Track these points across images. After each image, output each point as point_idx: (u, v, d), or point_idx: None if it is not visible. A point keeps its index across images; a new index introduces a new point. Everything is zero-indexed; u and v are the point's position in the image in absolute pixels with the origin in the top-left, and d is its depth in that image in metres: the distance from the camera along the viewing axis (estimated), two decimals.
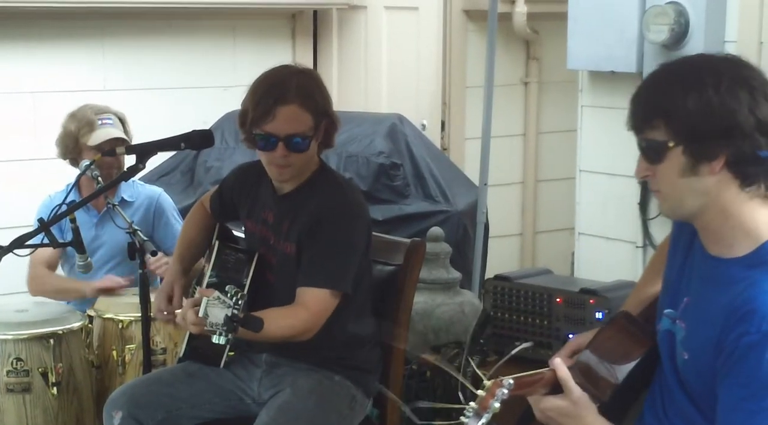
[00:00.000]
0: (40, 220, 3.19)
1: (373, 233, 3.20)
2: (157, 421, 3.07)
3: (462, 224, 4.76)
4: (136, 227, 3.50)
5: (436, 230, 4.23)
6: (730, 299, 2.09)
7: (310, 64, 5.79)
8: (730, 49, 3.77)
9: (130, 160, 3.44)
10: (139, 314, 3.44)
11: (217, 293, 2.62)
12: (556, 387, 2.24)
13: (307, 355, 3.08)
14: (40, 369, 3.57)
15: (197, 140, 3.21)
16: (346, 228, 3.04)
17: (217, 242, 3.18)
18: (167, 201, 4.26)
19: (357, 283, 3.06)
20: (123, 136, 4.09)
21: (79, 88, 5.09)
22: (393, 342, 3.16)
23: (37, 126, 5.09)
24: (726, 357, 2.07)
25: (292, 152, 3.00)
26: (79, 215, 3.58)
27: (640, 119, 2.14)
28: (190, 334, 3.12)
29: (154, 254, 3.44)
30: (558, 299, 3.69)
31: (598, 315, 3.58)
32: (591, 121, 4.40)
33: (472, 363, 3.17)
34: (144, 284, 3.41)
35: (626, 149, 2.21)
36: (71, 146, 4.07)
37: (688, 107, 2.06)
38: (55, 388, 3.58)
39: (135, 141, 4.04)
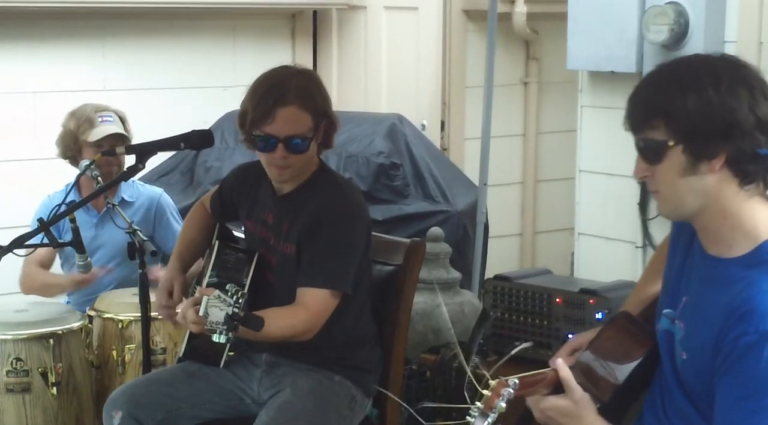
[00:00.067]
0: (40, 220, 3.18)
1: (373, 233, 3.21)
2: (157, 421, 3.07)
3: (462, 224, 4.76)
4: (135, 227, 3.50)
5: (436, 230, 4.23)
6: (729, 299, 2.10)
7: (309, 64, 5.79)
8: (730, 49, 3.78)
9: (129, 160, 3.44)
10: (139, 314, 3.44)
11: (217, 292, 2.62)
12: (558, 387, 2.24)
13: (306, 355, 3.08)
14: (39, 369, 3.57)
15: (197, 140, 3.21)
16: (346, 228, 3.04)
17: (217, 242, 3.18)
18: (168, 202, 4.27)
19: (357, 283, 3.06)
20: (123, 132, 4.09)
21: (79, 88, 5.09)
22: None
23: (37, 126, 5.09)
24: (724, 357, 2.08)
25: (292, 153, 3.00)
26: (79, 215, 3.58)
27: (639, 119, 2.15)
28: (190, 334, 3.12)
29: (154, 254, 3.44)
30: (558, 300, 3.69)
31: (598, 315, 3.58)
32: (591, 121, 4.40)
33: (465, 367, 3.16)
34: (144, 284, 3.41)
35: (626, 149, 2.21)
36: (71, 144, 4.07)
37: (689, 106, 2.07)
38: (54, 388, 3.58)
39: (135, 141, 4.04)
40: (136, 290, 3.57)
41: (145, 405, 3.07)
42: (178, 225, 4.13)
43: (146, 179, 4.63)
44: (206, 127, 4.41)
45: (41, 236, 3.18)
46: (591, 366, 2.28)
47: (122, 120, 4.15)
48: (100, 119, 4.07)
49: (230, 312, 2.59)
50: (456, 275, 4.19)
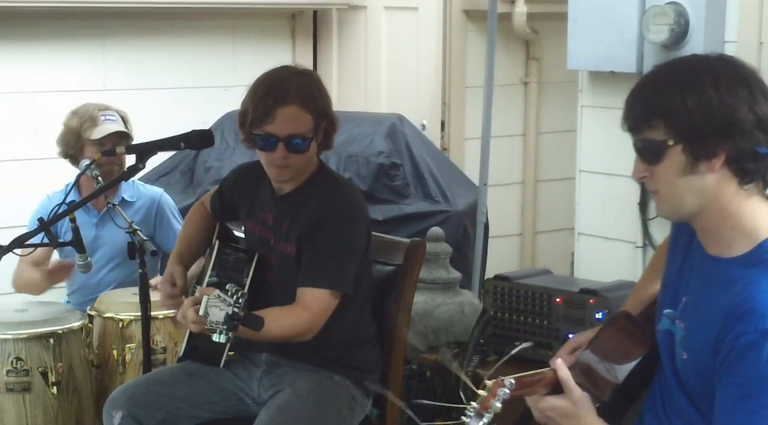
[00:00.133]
0: (40, 219, 3.19)
1: (373, 233, 3.21)
2: (157, 421, 3.07)
3: (462, 224, 4.76)
4: (136, 227, 3.50)
5: (436, 230, 4.23)
6: (729, 299, 2.10)
7: (309, 64, 5.79)
8: (730, 49, 3.78)
9: (130, 160, 3.44)
10: (139, 314, 3.44)
11: (217, 292, 2.62)
12: (556, 388, 2.24)
13: (306, 355, 3.08)
14: (40, 369, 3.57)
15: (197, 140, 3.21)
16: (346, 228, 3.04)
17: (217, 242, 3.18)
18: (168, 202, 4.27)
19: (357, 283, 3.06)
20: (126, 131, 4.10)
21: (79, 88, 5.09)
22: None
23: (37, 126, 5.09)
24: (724, 357, 2.08)
25: (292, 153, 3.00)
26: (79, 215, 3.58)
27: (638, 120, 2.15)
28: (190, 333, 3.12)
29: (154, 254, 3.44)
30: (558, 300, 3.69)
31: (598, 315, 3.57)
32: (591, 121, 4.40)
33: (458, 370, 3.16)
34: (144, 284, 3.41)
35: (626, 149, 2.21)
36: (73, 142, 4.07)
37: (688, 105, 2.07)
38: (55, 388, 3.58)
39: (135, 141, 4.04)
40: (136, 289, 3.57)
41: (145, 405, 3.07)
42: (178, 225, 4.13)
43: (146, 179, 4.63)
44: (206, 127, 4.41)
45: (41, 235, 3.18)
46: (591, 365, 2.28)
47: (124, 120, 4.16)
48: (103, 118, 4.08)
49: (230, 312, 2.59)
50: (456, 275, 4.18)
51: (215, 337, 2.64)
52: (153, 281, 3.66)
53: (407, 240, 3.33)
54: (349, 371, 3.12)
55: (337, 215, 3.03)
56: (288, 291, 3.01)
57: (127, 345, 3.71)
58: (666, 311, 2.28)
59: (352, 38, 5.99)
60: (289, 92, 2.98)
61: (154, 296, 3.41)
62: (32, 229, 3.25)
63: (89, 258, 3.61)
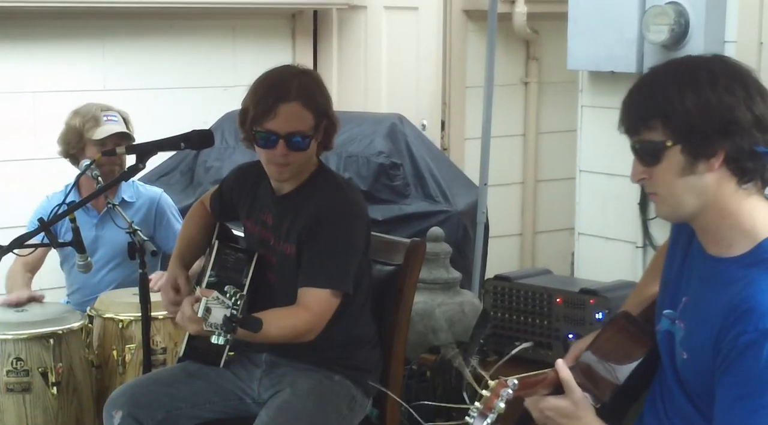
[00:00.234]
0: (41, 219, 3.19)
1: (373, 233, 3.21)
2: (157, 421, 3.07)
3: (462, 224, 4.76)
4: (136, 227, 3.50)
5: (436, 230, 4.23)
6: (729, 299, 2.10)
7: (310, 64, 5.79)
8: (730, 49, 3.78)
9: (130, 160, 3.44)
10: (139, 314, 3.44)
11: (216, 294, 2.62)
12: (558, 388, 2.24)
13: (306, 355, 3.08)
14: (40, 369, 3.57)
15: (197, 140, 3.21)
16: (346, 228, 3.04)
17: (216, 242, 3.18)
18: (168, 202, 4.27)
19: (357, 283, 3.06)
20: (128, 131, 4.10)
21: (79, 88, 5.09)
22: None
23: (37, 126, 5.09)
24: (724, 356, 2.08)
25: (292, 151, 3.00)
26: (79, 215, 3.58)
27: (636, 121, 2.14)
28: (190, 334, 3.12)
29: (154, 254, 3.44)
30: (558, 300, 3.69)
31: (598, 315, 3.58)
32: (591, 121, 4.40)
33: (463, 367, 3.16)
34: (144, 284, 3.40)
35: (626, 149, 2.21)
36: (74, 142, 4.08)
37: (687, 105, 2.07)
38: (55, 388, 3.58)
39: (135, 141, 4.04)
40: (136, 290, 3.57)
41: (145, 405, 3.07)
42: (178, 225, 4.13)
43: (146, 179, 4.63)
44: (206, 127, 4.41)
45: (41, 236, 3.18)
46: (591, 366, 2.29)
47: (126, 121, 4.16)
48: (105, 118, 4.08)
49: (228, 314, 2.59)
50: (456, 275, 4.19)
51: (214, 339, 2.64)
52: (153, 277, 3.65)
53: (407, 240, 3.33)
54: (349, 371, 3.12)
55: (337, 215, 3.03)
56: (288, 291, 3.01)
57: (127, 346, 3.71)
58: (666, 311, 2.28)
59: (352, 38, 5.99)
60: (291, 90, 2.98)
61: (154, 297, 3.41)
62: (31, 229, 3.25)
63: (89, 258, 3.60)
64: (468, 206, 4.82)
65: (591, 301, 3.60)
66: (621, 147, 2.30)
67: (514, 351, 2.52)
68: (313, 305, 2.95)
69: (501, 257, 5.73)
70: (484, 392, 2.15)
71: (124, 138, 4.05)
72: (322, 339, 2.99)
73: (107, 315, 3.78)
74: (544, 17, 5.80)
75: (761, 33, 3.77)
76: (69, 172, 4.10)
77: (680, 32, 3.87)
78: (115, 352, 3.73)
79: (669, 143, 2.10)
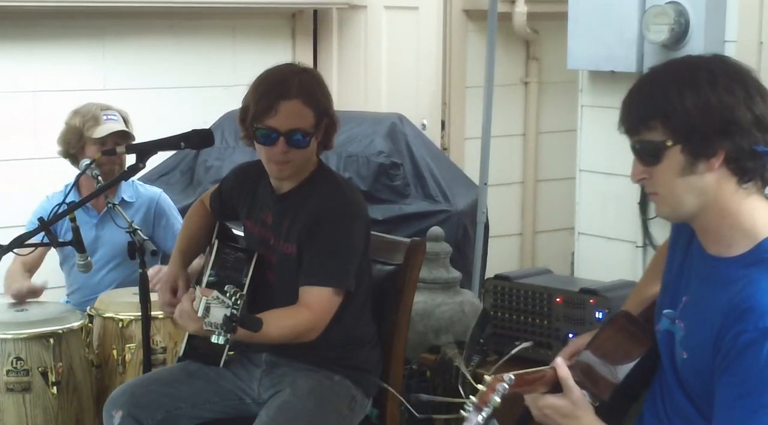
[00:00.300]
0: (41, 219, 3.19)
1: (373, 232, 3.21)
2: (157, 421, 3.07)
3: (462, 223, 4.76)
4: (136, 227, 3.50)
5: (436, 230, 4.23)
6: (729, 298, 2.10)
7: (310, 64, 5.78)
8: (730, 49, 3.78)
9: (130, 160, 3.44)
10: (139, 314, 3.44)
11: (216, 293, 2.62)
12: (556, 386, 2.24)
13: (306, 355, 3.08)
14: (40, 369, 3.57)
15: (197, 140, 3.21)
16: (346, 228, 3.04)
17: (216, 241, 3.18)
18: (167, 202, 4.27)
19: (357, 283, 3.06)
20: (128, 130, 4.10)
21: (79, 88, 5.09)
22: None
23: (37, 126, 5.09)
24: (724, 356, 2.08)
25: (292, 148, 3.00)
26: (79, 215, 3.58)
27: (636, 121, 2.14)
28: (190, 333, 3.12)
29: (154, 253, 3.44)
30: (558, 299, 3.69)
31: (598, 315, 3.57)
32: (591, 121, 4.40)
33: (462, 365, 3.17)
34: (144, 283, 3.41)
35: (626, 148, 2.21)
36: (74, 141, 4.08)
37: (687, 105, 2.07)
38: (55, 388, 3.58)
39: (135, 141, 4.04)
40: (136, 289, 3.57)
41: (145, 405, 3.07)
42: (178, 225, 4.13)
43: (146, 179, 4.63)
44: (206, 126, 4.41)
45: (41, 235, 3.18)
46: (590, 365, 2.28)
47: (125, 120, 4.16)
48: (105, 117, 4.09)
49: (228, 314, 2.59)
50: (456, 274, 4.18)
51: (214, 338, 2.64)
52: (151, 271, 3.65)
53: (407, 240, 3.33)
54: (349, 371, 3.12)
55: (336, 215, 3.03)
56: (288, 291, 3.01)
57: (127, 345, 3.71)
58: (666, 311, 2.28)
59: (353, 38, 5.99)
60: (292, 88, 2.99)
61: (154, 296, 3.41)
62: (31, 229, 3.25)
63: (89, 258, 3.61)
64: (468, 205, 4.82)
65: (591, 301, 3.60)
66: (621, 147, 2.30)
67: (514, 351, 2.53)
68: (314, 304, 2.95)
69: (501, 257, 5.73)
70: (480, 386, 2.15)
71: (124, 137, 4.06)
72: (322, 339, 2.98)
73: (107, 315, 3.77)
74: (544, 17, 5.80)
75: (761, 33, 3.77)
76: (69, 172, 4.10)
77: (680, 32, 3.87)
78: (115, 352, 3.73)
79: (669, 143, 2.10)
